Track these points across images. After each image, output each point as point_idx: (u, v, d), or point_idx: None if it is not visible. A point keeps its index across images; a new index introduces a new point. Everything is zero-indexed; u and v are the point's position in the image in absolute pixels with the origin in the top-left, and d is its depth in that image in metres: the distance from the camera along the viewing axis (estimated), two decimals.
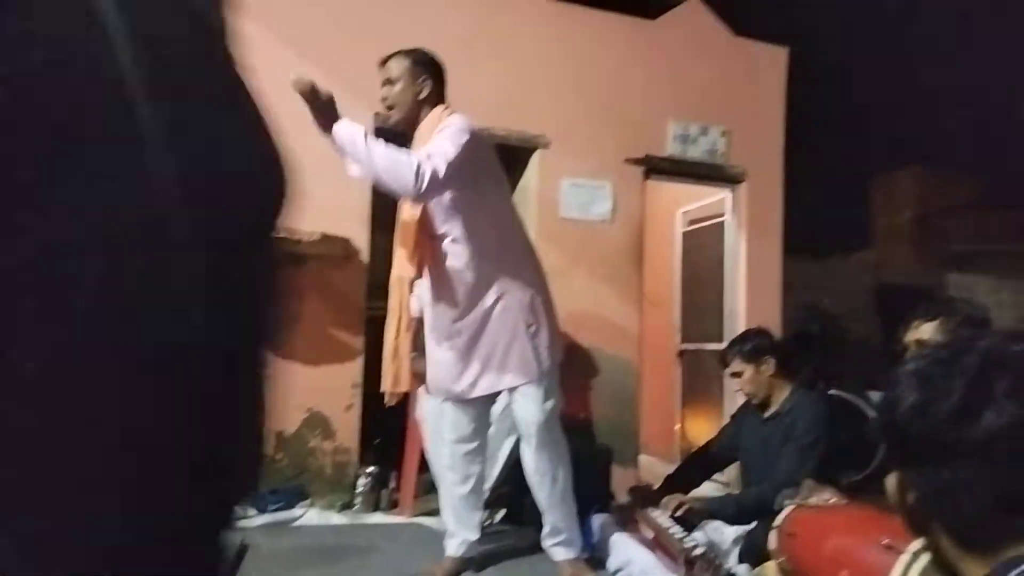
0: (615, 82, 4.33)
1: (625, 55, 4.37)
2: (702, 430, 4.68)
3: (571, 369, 3.81)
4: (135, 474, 0.54)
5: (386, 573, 2.71)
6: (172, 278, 0.54)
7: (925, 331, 2.22)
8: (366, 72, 3.81)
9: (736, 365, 2.99)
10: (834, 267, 6.20)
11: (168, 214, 0.51)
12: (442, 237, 2.42)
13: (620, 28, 4.41)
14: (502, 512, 3.35)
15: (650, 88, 4.41)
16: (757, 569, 2.43)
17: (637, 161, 4.35)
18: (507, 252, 2.49)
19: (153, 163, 0.50)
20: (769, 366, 2.93)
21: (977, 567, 0.76)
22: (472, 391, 2.52)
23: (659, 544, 2.56)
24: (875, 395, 4.42)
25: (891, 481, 0.87)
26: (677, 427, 5.26)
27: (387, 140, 2.30)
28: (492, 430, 3.12)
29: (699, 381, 5.10)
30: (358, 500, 3.51)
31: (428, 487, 3.36)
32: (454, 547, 2.64)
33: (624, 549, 2.70)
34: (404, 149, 2.25)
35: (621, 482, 3.66)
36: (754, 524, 2.62)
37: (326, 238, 3.48)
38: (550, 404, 2.51)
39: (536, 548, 2.71)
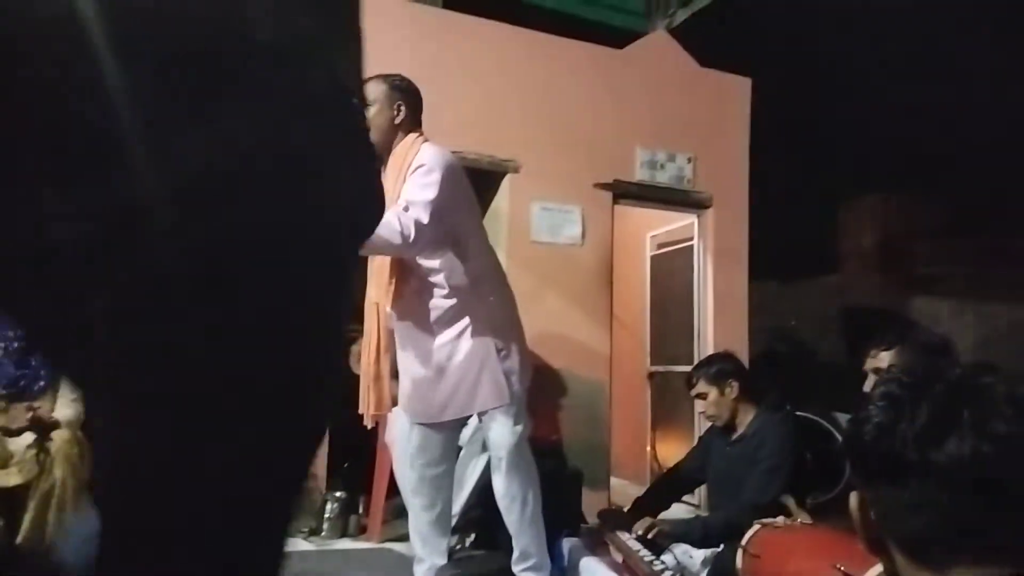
0: (584, 109, 4.39)
1: (593, 83, 4.45)
2: (672, 452, 4.71)
3: (542, 391, 3.82)
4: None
5: None
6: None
7: (883, 359, 2.27)
8: None
9: (701, 387, 3.03)
10: (800, 291, 6.30)
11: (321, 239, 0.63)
12: (417, 265, 2.43)
13: (588, 57, 4.49)
14: (472, 536, 3.33)
15: (618, 115, 4.48)
16: None
17: (606, 186, 4.41)
18: (479, 277, 2.51)
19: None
20: (733, 389, 2.97)
21: None
22: (443, 414, 2.52)
23: (628, 567, 2.56)
24: (842, 416, 4.49)
25: (853, 499, 0.89)
26: (648, 449, 5.27)
27: None
28: (462, 454, 3.12)
29: (669, 403, 5.13)
30: (325, 526, 3.47)
31: (397, 512, 3.34)
32: (422, 572, 2.62)
33: (594, 573, 2.70)
34: None
35: (592, 505, 3.66)
36: (722, 547, 2.64)
37: None
38: (520, 428, 2.52)
39: (506, 573, 2.70)
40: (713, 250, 4.71)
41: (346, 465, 3.80)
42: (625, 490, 4.59)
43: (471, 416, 2.64)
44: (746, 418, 2.95)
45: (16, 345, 2.88)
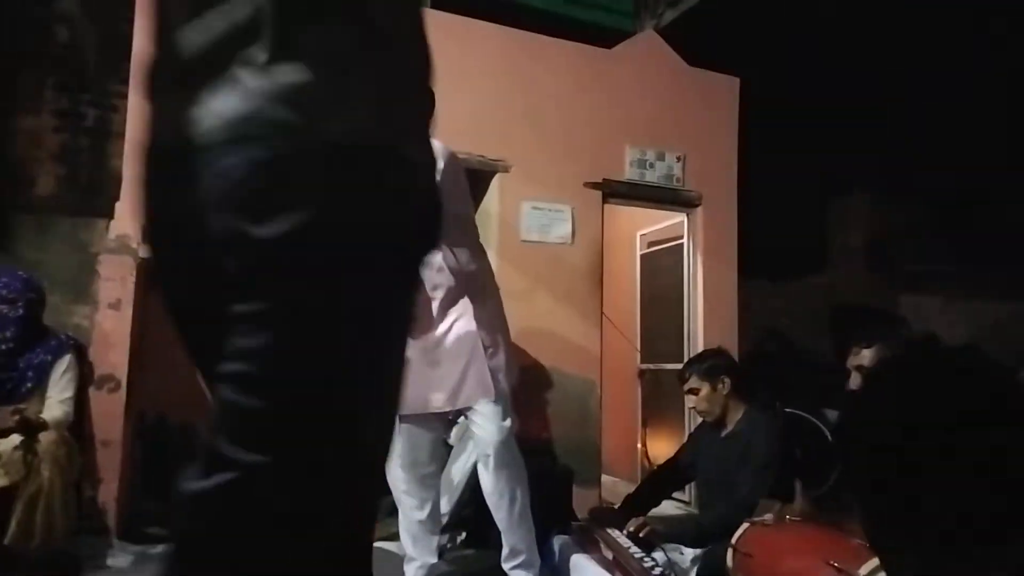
0: (574, 108, 4.40)
1: (583, 82, 4.45)
2: (663, 449, 4.72)
3: (533, 389, 3.83)
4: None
5: None
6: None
7: (865, 357, 2.29)
8: None
9: (693, 382, 3.04)
10: (789, 289, 6.32)
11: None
12: None
13: (578, 56, 4.49)
14: (463, 535, 3.33)
15: (608, 114, 4.49)
16: None
17: (596, 185, 4.41)
18: (470, 274, 2.52)
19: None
20: (725, 385, 2.98)
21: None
22: (428, 406, 2.51)
23: (619, 565, 2.57)
24: (831, 413, 4.51)
25: (858, 492, 0.86)
26: (638, 446, 5.29)
27: None
28: (452, 453, 3.11)
29: (659, 400, 5.15)
30: None
31: (388, 511, 3.33)
32: (413, 571, 2.62)
33: (584, 570, 2.70)
34: None
35: (583, 502, 3.67)
36: (711, 544, 2.65)
37: None
38: (507, 424, 2.53)
39: (496, 570, 2.70)
40: (702, 248, 4.72)
41: None
42: (616, 487, 4.60)
43: (459, 415, 2.64)
44: (736, 415, 2.96)
45: (3, 348, 2.86)
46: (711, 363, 3.05)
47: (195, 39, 0.87)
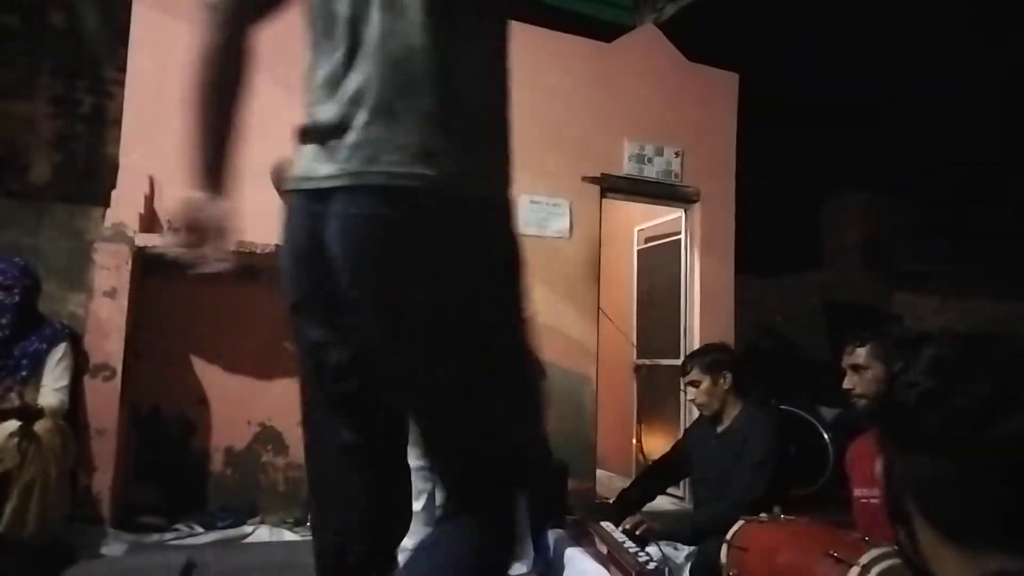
0: (572, 102, 4.39)
1: (582, 76, 4.44)
2: (658, 444, 4.73)
3: None
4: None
5: None
6: None
7: (859, 355, 2.29)
8: None
9: (695, 375, 3.04)
10: (785, 286, 6.34)
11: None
12: None
13: (577, 50, 4.48)
14: None
15: (606, 109, 4.48)
16: None
17: (594, 180, 4.41)
18: None
19: None
20: (726, 380, 2.98)
21: (955, 568, 0.75)
22: None
23: (613, 559, 2.57)
24: (826, 410, 4.53)
25: (879, 466, 0.85)
26: (633, 441, 5.29)
27: None
28: None
29: (655, 396, 5.15)
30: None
31: None
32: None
33: (578, 564, 2.70)
34: None
35: (577, 497, 3.67)
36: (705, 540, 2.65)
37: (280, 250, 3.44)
38: None
39: None
40: (700, 244, 4.72)
41: None
42: (610, 482, 4.61)
43: None
44: (733, 411, 2.97)
45: None
46: (714, 357, 3.05)
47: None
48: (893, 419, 0.83)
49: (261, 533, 3.30)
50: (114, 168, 3.60)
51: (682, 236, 4.82)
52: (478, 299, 1.07)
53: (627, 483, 3.47)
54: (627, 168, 4.53)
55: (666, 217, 5.08)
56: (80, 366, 3.13)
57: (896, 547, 0.84)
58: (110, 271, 3.28)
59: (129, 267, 3.30)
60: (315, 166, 1.08)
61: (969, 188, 6.54)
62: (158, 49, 3.63)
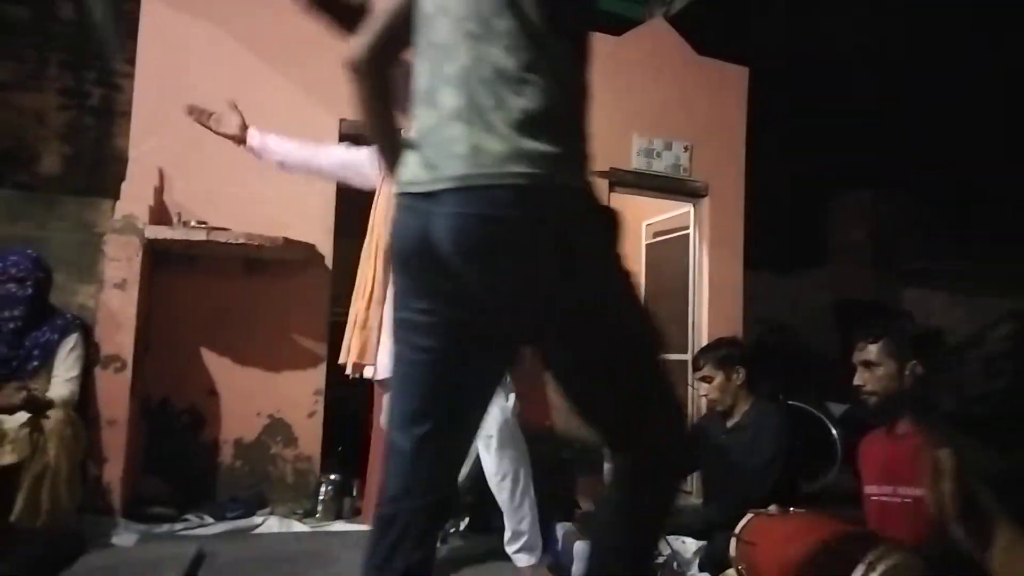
0: None
1: (591, 69, 4.42)
2: None
3: (536, 377, 3.83)
4: None
5: None
6: None
7: (871, 352, 2.28)
8: (331, 79, 3.81)
9: (708, 370, 3.03)
10: (794, 281, 6.32)
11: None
12: None
13: None
14: (466, 520, 3.34)
15: (615, 103, 4.47)
16: None
17: (602, 174, 4.40)
18: None
19: None
20: (739, 375, 2.98)
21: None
22: None
23: None
24: (834, 406, 4.52)
25: (947, 460, 0.85)
26: None
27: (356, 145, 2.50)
28: None
29: None
30: (320, 508, 3.47)
31: None
32: None
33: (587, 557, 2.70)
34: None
35: (586, 490, 3.68)
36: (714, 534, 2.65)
37: (289, 243, 3.45)
38: (509, 404, 2.53)
39: (498, 555, 2.71)
40: (708, 239, 4.71)
41: (340, 449, 3.81)
42: None
43: None
44: (744, 406, 2.96)
45: (11, 326, 2.87)
46: (727, 352, 3.04)
47: None
48: (973, 414, 0.82)
49: (271, 524, 3.31)
50: (123, 160, 3.61)
51: (691, 231, 4.81)
52: (590, 272, 1.26)
53: None
54: (636, 162, 4.52)
55: (675, 212, 5.07)
56: (90, 357, 3.15)
57: (922, 543, 0.83)
58: (120, 263, 3.29)
59: (139, 259, 3.31)
60: (420, 172, 1.27)
61: (979, 185, 6.51)
62: (167, 41, 3.64)
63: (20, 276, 2.88)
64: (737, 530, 2.33)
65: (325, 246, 3.77)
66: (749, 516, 2.36)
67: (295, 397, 3.69)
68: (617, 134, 4.48)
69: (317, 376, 3.72)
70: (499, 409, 2.51)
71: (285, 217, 3.64)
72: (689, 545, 2.77)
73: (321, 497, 3.48)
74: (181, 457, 3.51)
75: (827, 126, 5.84)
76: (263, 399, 3.65)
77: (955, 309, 6.55)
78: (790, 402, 4.19)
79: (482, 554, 2.89)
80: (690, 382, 4.06)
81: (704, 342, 4.06)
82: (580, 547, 2.77)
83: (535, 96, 1.23)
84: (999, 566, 0.80)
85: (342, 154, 2.70)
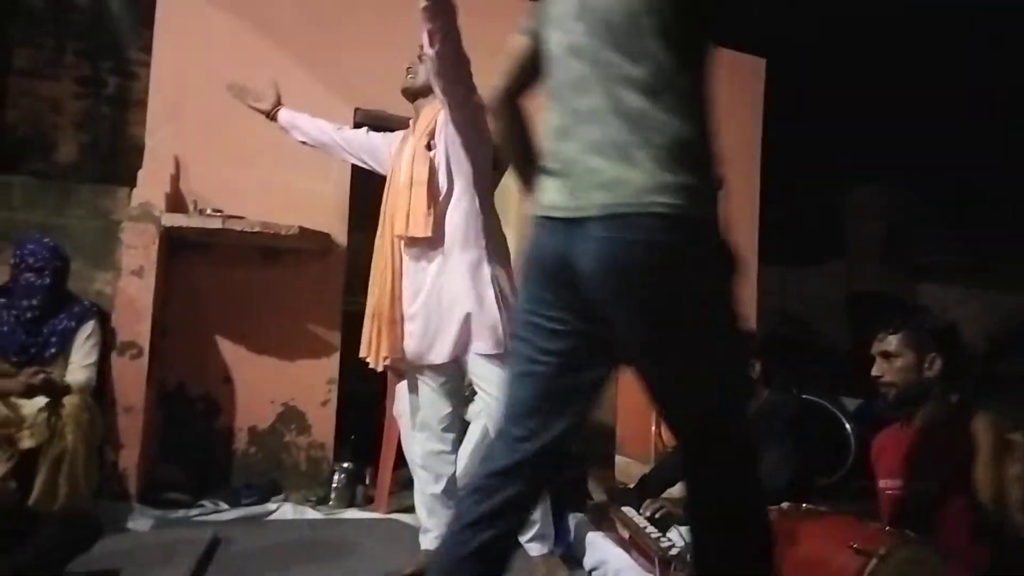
0: None
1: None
2: None
3: None
4: None
5: (361, 567, 2.71)
6: None
7: (891, 343, 2.26)
8: (347, 69, 3.81)
9: None
10: (805, 275, 6.28)
11: None
12: (439, 200, 2.49)
13: None
14: None
15: None
16: None
17: None
18: (490, 230, 2.52)
19: None
20: (755, 369, 2.96)
21: None
22: (430, 355, 2.48)
23: (635, 544, 2.58)
24: (848, 400, 4.50)
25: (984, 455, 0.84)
26: (652, 428, 5.29)
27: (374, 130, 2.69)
28: (469, 429, 3.12)
29: None
30: (333, 495, 3.50)
31: (404, 483, 3.36)
32: (428, 543, 2.63)
33: (599, 548, 2.72)
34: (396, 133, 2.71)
35: (597, 483, 3.68)
36: None
37: (304, 232, 3.46)
38: None
39: None
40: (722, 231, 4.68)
41: (353, 437, 3.83)
42: (629, 468, 4.60)
43: (474, 391, 2.64)
44: (757, 400, 2.95)
45: (29, 315, 2.89)
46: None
47: None
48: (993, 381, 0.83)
49: (285, 510, 3.34)
50: (140, 148, 3.63)
51: None
52: (715, 299, 1.39)
53: (646, 469, 3.47)
54: None
55: None
56: (107, 344, 3.17)
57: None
58: (137, 250, 3.31)
59: (156, 246, 3.33)
60: (558, 198, 1.41)
61: (994, 179, 6.44)
62: (183, 30, 3.65)
63: (38, 266, 2.91)
64: None
65: (340, 235, 3.78)
66: None
67: (309, 385, 3.71)
68: None
69: (331, 365, 3.74)
70: None
71: (301, 206, 3.64)
72: None
73: (334, 485, 3.50)
74: (196, 444, 3.54)
75: (843, 119, 5.79)
76: (277, 387, 3.67)
77: (969, 303, 6.50)
78: (804, 396, 4.17)
79: None
80: None
81: None
82: (593, 538, 2.78)
83: (671, 132, 1.36)
84: None
85: (362, 139, 2.83)
